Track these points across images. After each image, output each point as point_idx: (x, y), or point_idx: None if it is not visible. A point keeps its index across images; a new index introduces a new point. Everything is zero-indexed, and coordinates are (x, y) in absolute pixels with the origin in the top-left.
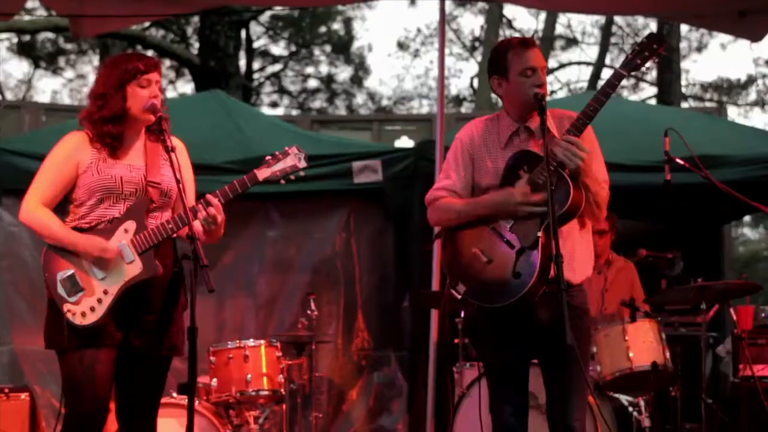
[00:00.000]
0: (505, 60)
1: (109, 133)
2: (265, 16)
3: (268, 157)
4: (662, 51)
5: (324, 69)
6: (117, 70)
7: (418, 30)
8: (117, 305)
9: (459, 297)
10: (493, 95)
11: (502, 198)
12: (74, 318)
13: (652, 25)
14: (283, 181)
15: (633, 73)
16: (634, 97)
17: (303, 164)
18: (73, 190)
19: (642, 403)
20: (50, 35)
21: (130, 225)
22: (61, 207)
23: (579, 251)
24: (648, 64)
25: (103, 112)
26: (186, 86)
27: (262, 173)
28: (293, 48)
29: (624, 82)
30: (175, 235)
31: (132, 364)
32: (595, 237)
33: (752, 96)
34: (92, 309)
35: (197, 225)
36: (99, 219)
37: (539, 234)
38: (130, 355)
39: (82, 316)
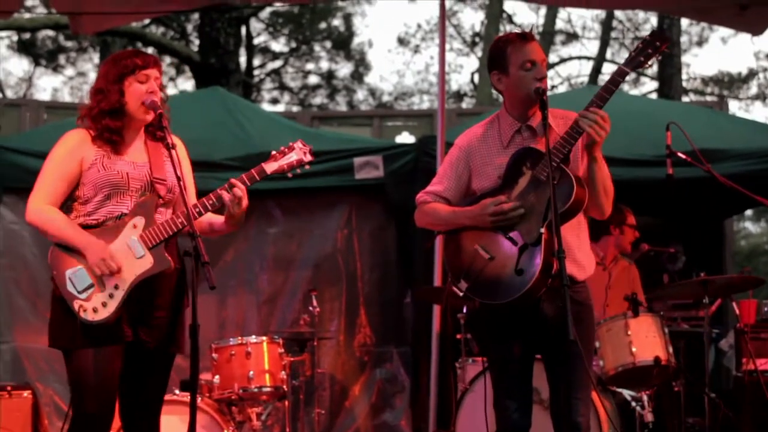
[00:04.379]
0: (505, 54)
1: (107, 127)
2: (265, 13)
3: (274, 152)
4: (665, 48)
5: (324, 65)
6: (116, 66)
7: (419, 26)
8: (128, 300)
9: (461, 294)
10: (494, 91)
11: (479, 209)
12: (86, 314)
13: (653, 20)
14: (290, 175)
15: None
16: (635, 92)
17: (308, 158)
18: (77, 187)
19: (645, 397)
20: (50, 33)
21: (139, 221)
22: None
23: (582, 248)
24: (651, 62)
25: (102, 105)
26: (186, 83)
27: (270, 167)
28: (293, 44)
29: None
30: (185, 230)
31: (139, 360)
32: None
33: (753, 90)
34: (104, 304)
35: (217, 217)
36: (107, 216)
37: (542, 231)
38: (138, 351)
39: (94, 312)
